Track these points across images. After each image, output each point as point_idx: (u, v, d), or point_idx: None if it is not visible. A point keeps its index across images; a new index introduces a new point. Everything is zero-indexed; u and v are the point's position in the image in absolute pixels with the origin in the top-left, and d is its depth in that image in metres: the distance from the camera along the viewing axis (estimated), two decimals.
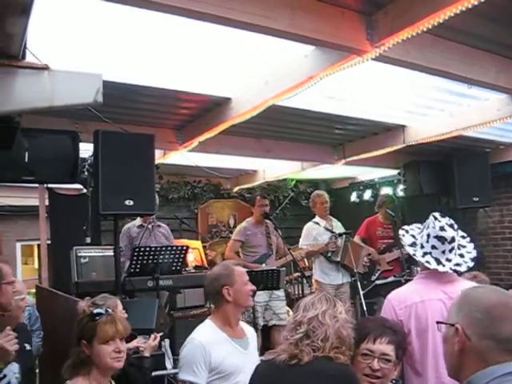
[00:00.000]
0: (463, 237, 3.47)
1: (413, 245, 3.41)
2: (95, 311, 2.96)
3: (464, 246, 3.40)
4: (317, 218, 7.67)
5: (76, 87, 3.23)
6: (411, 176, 8.24)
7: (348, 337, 2.57)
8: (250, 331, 3.59)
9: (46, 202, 6.89)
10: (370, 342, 2.80)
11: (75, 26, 3.65)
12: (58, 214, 7.06)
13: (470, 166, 7.63)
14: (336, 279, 7.37)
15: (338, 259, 7.26)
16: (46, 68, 3.05)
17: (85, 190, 6.01)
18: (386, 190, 9.09)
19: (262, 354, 6.08)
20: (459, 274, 3.36)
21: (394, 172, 8.87)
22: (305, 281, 7.89)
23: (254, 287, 3.53)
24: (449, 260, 3.25)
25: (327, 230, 7.49)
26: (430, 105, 6.02)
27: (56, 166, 5.03)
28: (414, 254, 3.34)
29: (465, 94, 5.60)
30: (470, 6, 3.18)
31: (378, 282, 7.44)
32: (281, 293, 6.96)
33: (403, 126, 6.82)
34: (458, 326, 1.88)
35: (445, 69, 4.29)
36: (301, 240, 7.63)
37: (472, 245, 3.43)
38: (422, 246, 3.33)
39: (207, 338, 3.24)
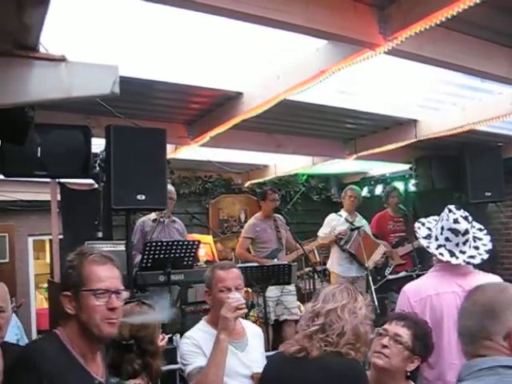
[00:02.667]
0: (480, 229, 3.47)
1: (428, 237, 3.42)
2: None
3: (480, 239, 3.39)
4: (341, 211, 7.72)
5: (93, 78, 3.23)
6: (423, 171, 8.20)
7: (365, 334, 2.55)
8: (252, 332, 3.40)
9: (58, 197, 6.92)
10: (387, 323, 2.82)
11: (89, 20, 3.67)
12: (69, 208, 7.07)
13: (483, 160, 7.58)
14: (349, 271, 7.39)
15: (347, 247, 7.28)
16: (63, 59, 3.06)
17: (96, 185, 6.02)
18: (398, 185, 9.04)
19: (273, 348, 6.15)
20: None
21: (406, 167, 8.83)
22: (316, 275, 7.92)
23: (236, 299, 3.01)
24: (463, 252, 3.25)
25: (347, 221, 7.52)
26: (442, 99, 5.98)
27: (68, 160, 5.03)
28: (428, 247, 3.35)
29: (477, 88, 5.57)
30: None
31: (389, 276, 7.42)
32: (292, 287, 6.97)
33: (415, 121, 6.78)
34: None
35: (457, 62, 4.26)
36: (321, 229, 7.65)
37: (488, 237, 3.43)
38: (437, 239, 3.34)
39: (199, 335, 3.15)
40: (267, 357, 3.13)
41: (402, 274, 7.28)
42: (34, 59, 3.04)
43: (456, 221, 3.25)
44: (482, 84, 5.32)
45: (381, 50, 3.83)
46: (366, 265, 7.08)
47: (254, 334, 3.40)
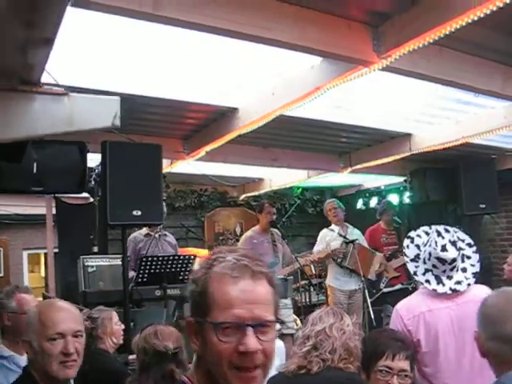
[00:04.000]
0: (469, 245, 3.46)
1: (416, 258, 3.41)
2: None
3: (469, 257, 3.39)
4: (332, 226, 7.71)
5: (94, 112, 3.26)
6: (418, 183, 8.23)
7: (355, 348, 2.59)
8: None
9: (53, 211, 6.92)
10: (389, 359, 2.76)
11: (83, 39, 3.69)
12: (65, 222, 7.09)
13: (477, 172, 7.63)
14: (348, 284, 7.37)
15: (346, 264, 7.28)
16: (64, 93, 3.08)
17: (92, 199, 6.03)
18: (393, 197, 9.09)
19: None
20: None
21: (401, 179, 8.87)
22: (312, 288, 7.92)
23: None
24: (450, 277, 3.26)
25: (340, 235, 7.52)
26: (436, 113, 6.02)
27: (64, 176, 5.03)
28: (415, 273, 3.35)
29: (471, 102, 5.60)
30: (475, 19, 3.19)
31: (384, 289, 7.43)
32: (288, 301, 6.95)
33: (409, 134, 6.83)
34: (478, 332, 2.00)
35: (452, 79, 4.30)
36: (315, 245, 7.66)
37: (477, 256, 3.42)
38: (425, 262, 3.34)
39: None
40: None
41: (398, 286, 7.31)
42: (36, 94, 3.07)
43: (444, 248, 3.25)
44: (476, 98, 5.36)
45: (375, 67, 3.87)
46: (369, 276, 7.11)
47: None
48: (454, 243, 3.29)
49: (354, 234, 7.65)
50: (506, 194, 8.20)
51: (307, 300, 8.16)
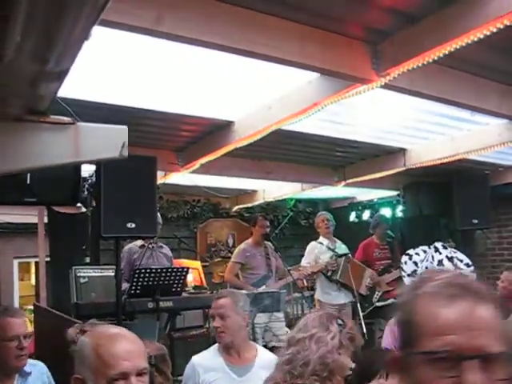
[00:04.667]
0: (468, 265, 3.48)
1: (413, 274, 3.43)
2: None
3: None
4: (321, 238, 7.69)
5: (102, 142, 3.22)
6: (411, 197, 8.26)
7: (335, 362, 2.44)
8: (264, 361, 3.34)
9: (45, 220, 6.87)
10: (383, 377, 2.74)
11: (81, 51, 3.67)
12: (56, 232, 7.02)
13: (470, 187, 7.64)
14: (337, 298, 7.36)
15: (337, 278, 7.27)
16: (72, 123, 3.05)
17: (84, 209, 5.99)
18: (386, 211, 9.10)
19: None
20: None
21: (394, 193, 8.89)
22: (304, 301, 7.91)
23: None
24: None
25: (329, 249, 7.51)
26: (431, 129, 6.04)
27: (57, 187, 4.99)
28: None
29: (465, 119, 5.63)
30: (475, 39, 3.20)
31: (377, 304, 7.43)
32: (280, 314, 6.93)
33: (404, 150, 6.85)
34: None
35: (449, 97, 4.33)
36: (303, 258, 7.65)
37: (474, 275, 3.43)
38: None
39: (201, 359, 3.41)
40: None
41: (390, 301, 7.30)
42: (43, 123, 3.04)
43: (440, 263, 3.29)
44: (472, 117, 5.38)
45: (373, 85, 3.88)
46: (361, 291, 7.11)
47: (265, 364, 3.28)
48: (450, 259, 3.32)
49: (341, 248, 7.65)
50: (499, 209, 8.23)
51: (299, 312, 8.13)
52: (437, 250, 3.35)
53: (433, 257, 3.32)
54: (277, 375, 2.52)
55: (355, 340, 2.63)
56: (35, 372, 3.47)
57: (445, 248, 3.37)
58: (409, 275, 3.43)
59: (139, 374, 1.85)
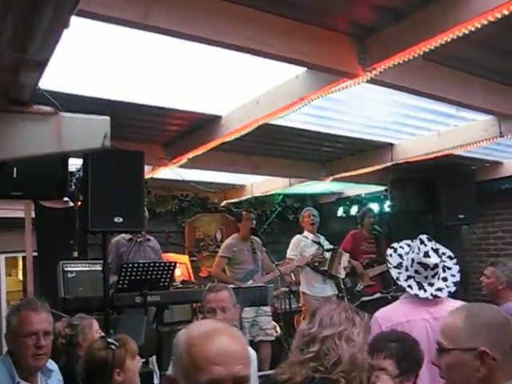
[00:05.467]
0: (450, 257, 3.56)
1: (399, 266, 3.50)
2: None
3: (449, 268, 3.48)
4: (305, 233, 7.75)
5: (84, 132, 3.21)
6: (398, 192, 8.28)
7: (362, 361, 2.36)
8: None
9: (32, 214, 6.85)
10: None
11: (66, 44, 3.65)
12: (44, 226, 7.00)
13: (456, 183, 7.71)
14: (323, 291, 7.43)
15: (326, 268, 7.34)
16: (54, 113, 3.05)
17: (72, 204, 5.97)
18: (373, 206, 9.15)
19: None
20: None
21: (381, 188, 8.93)
22: (292, 295, 7.94)
23: None
24: (431, 284, 3.35)
25: (314, 242, 7.57)
26: (418, 124, 6.07)
27: (44, 181, 4.98)
28: (398, 278, 3.42)
29: (452, 115, 5.66)
30: (460, 35, 3.23)
31: (364, 298, 7.47)
32: (267, 308, 6.98)
33: (391, 145, 6.88)
34: (484, 348, 1.88)
35: (435, 92, 4.36)
36: (288, 251, 7.70)
37: (457, 267, 3.52)
38: (407, 269, 3.43)
39: None
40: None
41: (377, 295, 7.35)
42: (25, 113, 3.02)
43: (426, 254, 3.34)
44: (458, 112, 5.42)
45: (360, 80, 3.90)
46: (339, 275, 7.21)
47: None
48: (436, 250, 3.40)
49: (325, 243, 7.73)
50: (485, 204, 8.29)
51: (287, 307, 8.16)
52: (422, 242, 3.41)
53: (419, 248, 3.37)
54: (293, 367, 2.38)
55: (369, 333, 2.55)
56: (56, 369, 3.41)
57: (429, 240, 3.43)
58: (395, 267, 3.49)
59: (237, 382, 1.54)
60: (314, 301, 7.35)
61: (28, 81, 2.70)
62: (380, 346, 2.82)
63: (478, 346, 1.90)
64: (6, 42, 2.21)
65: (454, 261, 3.55)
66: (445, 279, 3.40)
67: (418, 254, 3.36)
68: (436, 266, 3.35)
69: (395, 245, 3.62)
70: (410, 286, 3.35)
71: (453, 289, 3.39)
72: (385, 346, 2.81)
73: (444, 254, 3.52)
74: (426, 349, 3.00)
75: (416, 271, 3.36)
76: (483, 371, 1.88)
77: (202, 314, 3.49)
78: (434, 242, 3.42)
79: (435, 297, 3.32)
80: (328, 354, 2.31)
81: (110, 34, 3.53)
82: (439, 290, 3.34)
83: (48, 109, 3.08)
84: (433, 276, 3.34)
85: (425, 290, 3.32)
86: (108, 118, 3.31)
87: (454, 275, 3.45)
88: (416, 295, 3.31)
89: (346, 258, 7.72)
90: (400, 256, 3.54)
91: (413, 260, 3.39)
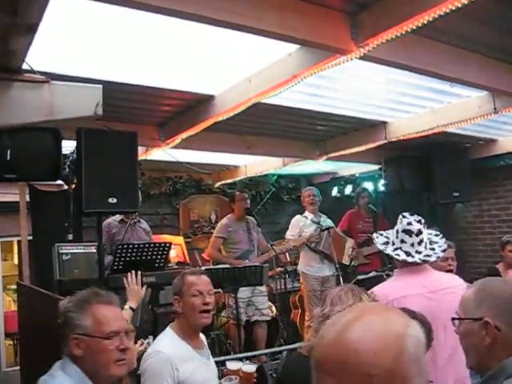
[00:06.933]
0: (437, 235, 3.65)
1: (385, 244, 3.59)
2: None
3: (436, 242, 3.55)
4: (306, 213, 7.79)
5: (76, 100, 3.20)
6: (392, 171, 8.31)
7: None
8: (204, 339, 3.43)
9: (27, 198, 6.83)
10: None
11: (57, 24, 3.62)
12: (38, 210, 6.99)
13: (451, 161, 7.74)
14: (320, 271, 7.47)
15: (320, 248, 7.37)
16: (45, 81, 3.02)
17: (66, 187, 5.96)
18: (367, 185, 9.17)
19: (246, 349, 6.17)
20: None
21: (375, 167, 8.94)
22: (287, 276, 7.98)
23: (207, 305, 3.19)
24: (418, 252, 3.42)
25: (314, 222, 7.59)
26: (412, 102, 6.06)
27: (38, 163, 4.95)
28: (385, 249, 3.50)
29: (446, 92, 5.65)
30: (453, 8, 3.21)
31: (359, 277, 7.50)
32: (263, 288, 7.01)
33: (385, 123, 6.88)
34: (487, 319, 1.98)
35: (428, 68, 4.33)
36: (288, 231, 7.72)
37: (444, 241, 3.59)
38: (393, 243, 3.49)
39: (173, 352, 3.00)
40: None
41: (372, 274, 7.37)
42: (16, 81, 2.99)
43: (409, 223, 3.43)
44: (451, 88, 5.41)
45: (352, 55, 3.87)
46: (343, 261, 7.23)
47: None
48: (419, 221, 3.47)
49: (326, 222, 7.74)
50: (479, 182, 8.31)
51: (282, 287, 8.20)
52: (404, 216, 3.50)
53: (401, 220, 3.48)
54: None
55: None
56: None
57: (411, 215, 3.51)
58: (382, 244, 3.59)
59: None
60: (312, 280, 7.40)
61: (18, 46, 2.68)
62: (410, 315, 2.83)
63: (484, 316, 1.99)
64: None
65: (441, 236, 3.64)
66: (432, 249, 3.47)
67: (401, 223, 3.45)
68: (420, 231, 3.41)
69: (381, 232, 3.74)
70: (397, 255, 3.42)
71: (441, 254, 3.47)
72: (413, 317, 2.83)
73: (430, 233, 3.61)
74: None
75: (402, 240, 3.43)
76: (488, 340, 1.97)
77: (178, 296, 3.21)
78: (416, 215, 3.51)
79: (425, 261, 3.39)
80: None
81: (102, 14, 3.50)
82: (428, 256, 3.41)
83: (39, 77, 3.08)
84: (419, 243, 3.40)
85: (412, 257, 3.38)
86: (100, 86, 3.31)
87: (441, 246, 3.52)
88: (404, 261, 3.38)
89: (349, 244, 7.75)
90: (387, 237, 3.64)
91: (397, 231, 3.48)
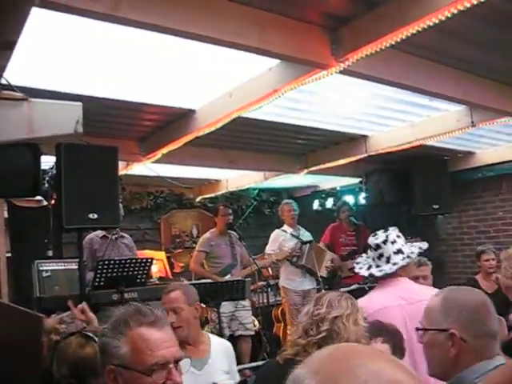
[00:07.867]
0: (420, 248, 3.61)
1: (367, 268, 3.58)
2: None
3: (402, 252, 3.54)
4: (284, 226, 7.75)
5: (56, 118, 3.17)
6: (373, 184, 8.36)
7: (367, 344, 2.47)
8: (219, 348, 3.43)
9: (5, 214, 6.75)
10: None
11: (38, 39, 3.60)
12: (17, 226, 6.91)
13: (430, 173, 7.79)
14: (302, 285, 7.44)
15: (302, 263, 7.35)
16: (24, 99, 3.00)
17: (45, 202, 5.90)
18: (348, 198, 9.20)
19: None
20: None
21: (356, 180, 8.98)
22: (269, 289, 7.95)
23: None
24: (378, 266, 3.43)
25: (293, 236, 7.57)
26: (392, 115, 6.11)
27: (17, 179, 4.91)
28: (365, 273, 3.52)
29: (425, 106, 5.72)
30: (431, 24, 3.25)
31: (342, 289, 7.50)
32: (246, 303, 6.98)
33: (365, 136, 6.92)
34: (453, 330, 1.95)
35: (407, 82, 4.38)
36: (267, 246, 7.69)
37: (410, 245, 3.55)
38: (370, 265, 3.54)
39: None
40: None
41: (355, 286, 7.39)
42: None
43: (375, 234, 3.48)
44: (430, 102, 5.47)
45: (333, 70, 3.90)
46: (319, 274, 7.20)
47: (220, 351, 3.41)
48: (386, 236, 3.45)
49: (305, 235, 7.73)
50: (458, 194, 8.39)
51: (265, 301, 8.17)
52: (386, 229, 3.50)
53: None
54: (302, 352, 2.45)
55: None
56: None
57: (386, 230, 3.51)
58: (365, 270, 3.56)
59: None
60: (293, 294, 7.38)
61: None
62: (375, 332, 2.84)
63: (450, 328, 1.96)
64: None
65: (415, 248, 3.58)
66: (394, 264, 3.42)
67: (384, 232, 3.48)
68: (378, 246, 3.41)
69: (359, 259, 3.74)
70: (360, 268, 3.50)
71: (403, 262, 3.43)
72: (379, 332, 2.84)
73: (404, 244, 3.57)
74: (404, 333, 3.05)
75: (367, 257, 3.51)
76: (453, 352, 1.95)
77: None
78: (391, 231, 3.49)
79: (370, 275, 3.47)
80: (339, 333, 2.43)
81: (81, 29, 3.49)
82: (381, 271, 3.41)
83: (18, 94, 3.05)
84: (378, 258, 3.41)
85: (367, 270, 3.45)
86: (80, 103, 3.28)
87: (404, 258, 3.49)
88: (358, 273, 3.52)
89: (328, 257, 7.74)
90: (365, 260, 3.65)
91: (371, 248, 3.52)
